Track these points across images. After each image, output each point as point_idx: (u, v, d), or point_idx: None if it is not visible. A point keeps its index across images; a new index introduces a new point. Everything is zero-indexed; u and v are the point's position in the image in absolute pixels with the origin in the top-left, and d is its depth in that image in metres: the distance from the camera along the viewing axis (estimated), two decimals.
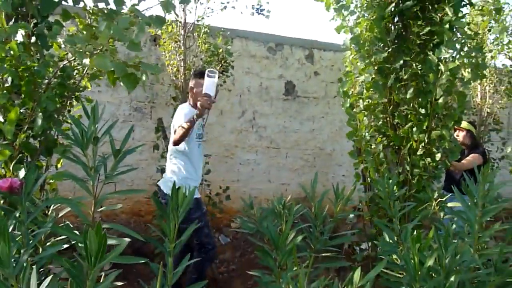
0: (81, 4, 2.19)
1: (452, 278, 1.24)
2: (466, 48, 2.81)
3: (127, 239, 1.11)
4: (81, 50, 1.54)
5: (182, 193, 1.36)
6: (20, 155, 2.16)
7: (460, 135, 4.07)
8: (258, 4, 4.38)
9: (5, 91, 2.03)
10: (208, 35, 4.15)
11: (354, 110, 3.08)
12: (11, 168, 2.04)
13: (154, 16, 1.98)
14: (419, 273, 1.28)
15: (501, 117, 5.73)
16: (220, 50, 3.86)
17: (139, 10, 1.91)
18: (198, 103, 2.71)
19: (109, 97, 4.70)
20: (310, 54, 5.78)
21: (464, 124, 4.02)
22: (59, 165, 2.55)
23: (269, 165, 5.63)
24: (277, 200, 1.72)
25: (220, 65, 3.86)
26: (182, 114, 2.93)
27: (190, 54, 4.07)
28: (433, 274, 1.39)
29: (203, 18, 4.08)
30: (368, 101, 3.11)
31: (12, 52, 1.93)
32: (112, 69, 1.50)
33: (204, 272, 3.03)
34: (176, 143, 2.86)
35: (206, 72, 2.74)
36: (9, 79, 2.07)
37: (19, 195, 1.50)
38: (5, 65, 1.92)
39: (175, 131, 2.94)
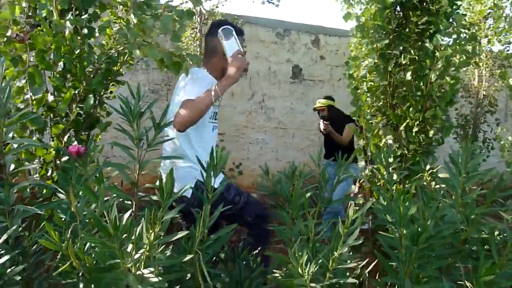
0: None
1: (428, 222, 1.59)
2: (461, 37, 3.12)
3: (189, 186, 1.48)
4: (132, 42, 1.88)
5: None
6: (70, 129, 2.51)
7: (325, 113, 4.53)
8: None
9: (58, 75, 2.38)
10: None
11: (358, 91, 3.40)
12: (64, 141, 2.39)
13: (185, 10, 2.31)
14: (404, 219, 1.63)
15: (498, 99, 6.03)
16: None
17: (172, 6, 2.24)
18: (233, 66, 1.98)
19: (129, 80, 5.03)
20: (316, 39, 6.08)
21: (322, 102, 4.57)
22: (97, 139, 2.91)
23: (277, 144, 5.98)
24: (290, 166, 2.08)
25: None
26: (195, 82, 2.07)
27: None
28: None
29: (217, 7, 4.38)
30: (371, 84, 3.44)
31: (67, 42, 2.27)
32: (161, 57, 1.84)
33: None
34: (183, 126, 1.97)
35: (222, 30, 2.09)
36: (61, 64, 2.42)
37: (83, 158, 1.87)
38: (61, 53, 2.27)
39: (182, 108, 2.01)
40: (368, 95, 3.41)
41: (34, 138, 2.38)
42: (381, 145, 3.21)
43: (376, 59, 3.30)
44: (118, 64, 2.32)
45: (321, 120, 4.46)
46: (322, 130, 4.43)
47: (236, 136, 5.75)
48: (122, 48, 2.12)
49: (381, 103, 3.32)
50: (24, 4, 2.63)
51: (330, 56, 6.16)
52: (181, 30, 1.92)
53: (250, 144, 5.87)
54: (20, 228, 1.58)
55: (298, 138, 6.12)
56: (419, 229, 1.61)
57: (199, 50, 4.31)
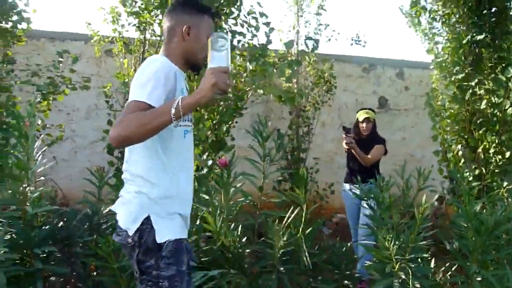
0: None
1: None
2: None
3: None
4: (257, 84, 2.64)
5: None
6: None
7: (369, 126, 3.88)
8: (356, 36, 5.33)
9: (197, 111, 3.23)
10: (315, 62, 5.18)
11: (438, 118, 3.88)
12: (203, 158, 3.20)
13: (294, 60, 3.06)
14: (470, 214, 2.14)
15: None
16: (326, 74, 4.86)
17: (286, 58, 2.99)
18: (208, 81, 1.36)
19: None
20: (400, 72, 6.57)
21: (372, 114, 3.92)
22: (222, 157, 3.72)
23: None
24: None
25: (326, 85, 4.85)
26: (153, 77, 1.49)
27: (301, 77, 5.12)
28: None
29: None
30: (450, 111, 3.91)
31: None
32: (279, 94, 2.58)
33: None
34: (119, 143, 1.42)
35: (216, 37, 1.47)
36: None
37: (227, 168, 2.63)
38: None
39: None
40: (448, 121, 3.88)
41: None
42: (460, 165, 3.64)
43: (454, 89, 3.78)
44: (243, 101, 3.11)
45: (344, 133, 3.82)
46: (345, 144, 3.79)
47: (326, 162, 6.34)
48: (248, 89, 2.90)
49: (459, 128, 3.76)
50: None
51: (414, 87, 6.58)
52: (293, 75, 2.65)
53: (339, 168, 6.42)
54: None
55: (384, 164, 6.53)
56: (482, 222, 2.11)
57: (296, 86, 5.05)
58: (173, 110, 1.37)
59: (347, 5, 16.45)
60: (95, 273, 2.32)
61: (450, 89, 3.78)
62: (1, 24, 3.32)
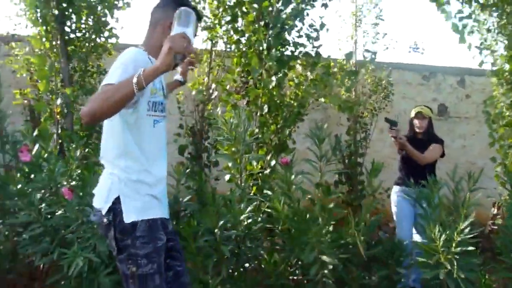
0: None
1: None
2: None
3: None
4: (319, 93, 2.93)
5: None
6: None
7: (423, 124, 3.58)
8: (414, 44, 5.46)
9: (265, 115, 3.57)
10: (373, 70, 5.36)
11: (495, 125, 3.95)
12: (266, 160, 3.53)
13: (351, 70, 3.32)
14: None
15: None
16: (383, 82, 5.03)
17: (346, 70, 3.26)
18: (165, 47, 1.45)
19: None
20: (461, 80, 6.56)
21: (427, 110, 3.61)
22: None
23: None
24: None
25: (383, 93, 5.02)
26: (122, 63, 1.62)
27: (359, 85, 5.32)
28: None
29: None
30: (509, 118, 3.97)
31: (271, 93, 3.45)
32: (339, 103, 2.86)
33: None
34: (90, 117, 1.48)
35: (181, 12, 1.56)
36: (265, 107, 3.60)
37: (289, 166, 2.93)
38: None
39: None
40: (506, 128, 3.94)
41: None
42: None
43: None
44: (304, 108, 3.41)
45: (389, 128, 3.53)
46: (392, 138, 3.53)
47: (385, 167, 6.44)
48: (309, 97, 3.20)
49: None
50: (238, 69, 3.91)
51: (476, 94, 6.53)
52: (352, 85, 2.91)
53: (395, 174, 6.51)
54: None
55: (443, 171, 6.54)
56: None
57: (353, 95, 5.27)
58: (135, 79, 1.44)
59: (407, 14, 16.28)
60: None
61: (508, 96, 3.85)
62: (96, 40, 3.87)
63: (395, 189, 3.76)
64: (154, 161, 1.77)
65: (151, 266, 1.66)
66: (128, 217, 1.65)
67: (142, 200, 1.70)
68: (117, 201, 1.67)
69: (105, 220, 1.68)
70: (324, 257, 2.38)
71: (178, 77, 2.24)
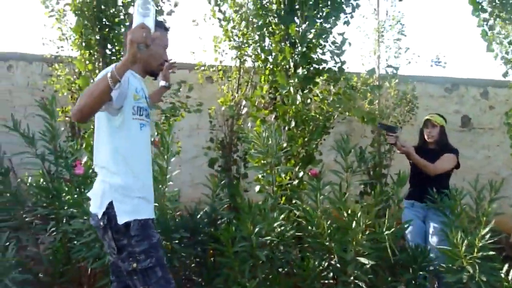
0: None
1: None
2: None
3: None
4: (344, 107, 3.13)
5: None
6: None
7: (433, 133, 3.38)
8: (436, 58, 5.59)
9: (290, 130, 3.78)
10: (397, 83, 5.51)
11: None
12: (295, 171, 3.73)
13: (374, 84, 3.50)
14: None
15: None
16: (408, 96, 5.17)
17: (368, 83, 3.45)
18: (128, 38, 1.58)
19: None
20: (484, 92, 6.63)
21: (438, 118, 3.41)
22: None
23: None
24: None
25: (408, 106, 5.16)
26: (104, 72, 1.76)
27: (383, 98, 5.48)
28: None
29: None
30: None
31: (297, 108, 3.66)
32: (362, 115, 3.04)
33: None
34: (78, 114, 1.66)
35: (138, 2, 1.62)
36: (292, 121, 3.81)
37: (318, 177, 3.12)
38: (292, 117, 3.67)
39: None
40: None
41: None
42: None
43: None
44: (330, 121, 3.60)
45: (386, 135, 3.29)
46: (392, 145, 3.34)
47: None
48: (335, 111, 3.39)
49: None
50: (266, 86, 4.14)
51: (500, 106, 6.58)
52: (375, 98, 3.09)
53: None
54: None
55: (467, 182, 6.59)
56: None
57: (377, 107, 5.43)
58: (109, 74, 1.60)
59: (429, 26, 16.33)
60: (212, 258, 2.94)
61: None
62: None
63: (404, 203, 3.45)
64: (142, 166, 1.94)
65: (150, 261, 1.81)
66: (121, 219, 1.82)
67: (131, 203, 1.85)
68: (110, 206, 1.83)
69: (101, 224, 1.85)
70: (361, 259, 2.56)
71: (162, 83, 2.47)
